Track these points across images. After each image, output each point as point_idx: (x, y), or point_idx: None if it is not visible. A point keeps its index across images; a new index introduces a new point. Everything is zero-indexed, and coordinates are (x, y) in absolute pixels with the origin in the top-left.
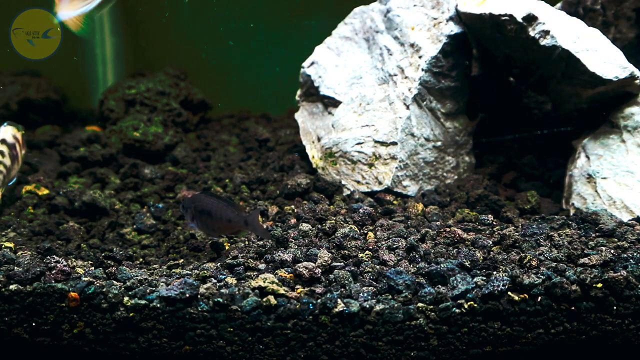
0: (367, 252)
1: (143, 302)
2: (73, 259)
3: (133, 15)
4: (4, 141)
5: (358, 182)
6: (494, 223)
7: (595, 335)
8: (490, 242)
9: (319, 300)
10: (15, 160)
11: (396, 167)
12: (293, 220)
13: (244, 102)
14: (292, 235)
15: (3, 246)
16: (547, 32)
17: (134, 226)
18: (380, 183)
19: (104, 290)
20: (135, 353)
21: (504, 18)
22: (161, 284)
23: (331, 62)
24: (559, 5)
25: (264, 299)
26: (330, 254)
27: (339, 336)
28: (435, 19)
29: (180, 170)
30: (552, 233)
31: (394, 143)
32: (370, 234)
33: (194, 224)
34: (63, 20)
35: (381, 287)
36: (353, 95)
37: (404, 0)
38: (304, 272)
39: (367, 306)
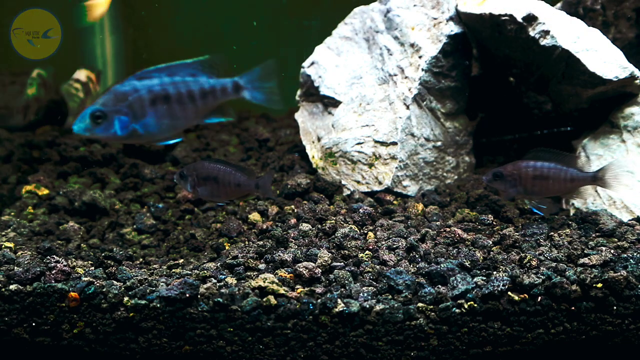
0: (367, 252)
1: (143, 302)
2: (73, 259)
3: (133, 15)
4: (77, 80)
5: (358, 182)
6: (494, 223)
7: (595, 335)
8: (490, 242)
9: (319, 300)
10: (88, 95)
11: (396, 167)
12: (293, 220)
13: (243, 102)
14: (292, 235)
15: (3, 246)
16: (547, 32)
17: (134, 226)
18: (380, 183)
19: (104, 290)
20: (135, 353)
21: (504, 18)
22: (161, 284)
23: (331, 62)
24: (559, 5)
25: (264, 299)
26: (330, 254)
27: (339, 336)
28: (435, 19)
29: None
30: (552, 233)
31: (394, 143)
32: (370, 234)
33: (197, 191)
34: None
35: (381, 287)
36: (353, 95)
37: (404, 0)
38: (304, 272)
39: (367, 306)
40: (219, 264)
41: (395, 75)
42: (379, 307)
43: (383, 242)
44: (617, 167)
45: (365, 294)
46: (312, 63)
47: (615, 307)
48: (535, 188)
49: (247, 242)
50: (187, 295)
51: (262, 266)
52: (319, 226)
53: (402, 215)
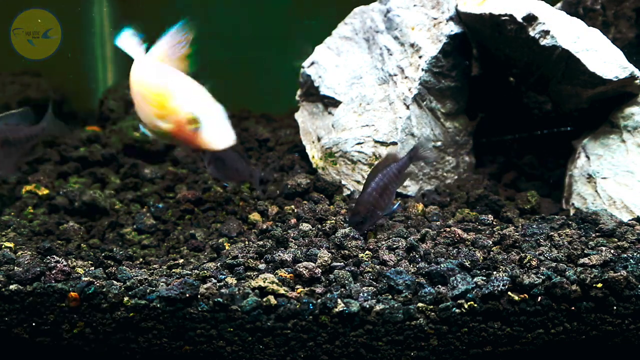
0: (367, 252)
1: (143, 302)
2: (73, 259)
3: (133, 15)
4: None
5: (358, 182)
6: (494, 223)
7: (595, 335)
8: (490, 242)
9: (319, 300)
10: None
11: None
12: (293, 220)
13: (244, 102)
14: (292, 235)
15: (3, 246)
16: (547, 32)
17: (134, 226)
18: None
19: (104, 290)
20: (135, 353)
21: (504, 18)
22: (161, 284)
23: (331, 62)
24: (559, 5)
25: (264, 299)
26: (330, 254)
27: (339, 336)
28: (435, 19)
29: (180, 170)
30: (552, 233)
31: (394, 143)
32: (370, 234)
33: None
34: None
35: (381, 287)
36: (353, 95)
37: (404, 0)
38: (304, 272)
39: (367, 306)
40: (219, 264)
41: (395, 75)
42: (379, 307)
43: (383, 242)
44: (422, 144)
45: (365, 294)
46: (312, 63)
47: (615, 307)
48: (387, 199)
49: (247, 242)
50: (187, 295)
51: (262, 266)
52: (319, 226)
53: (402, 215)
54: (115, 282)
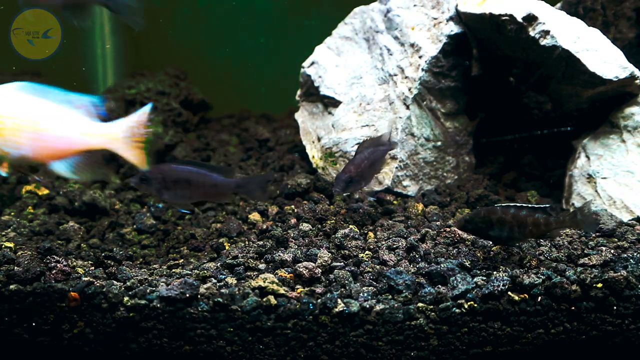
0: (367, 252)
1: (143, 302)
2: (73, 259)
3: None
4: None
5: None
6: None
7: (595, 335)
8: (491, 242)
9: (319, 300)
10: None
11: (396, 167)
12: (293, 220)
13: (244, 102)
14: (292, 235)
15: (3, 246)
16: (547, 32)
17: (134, 226)
18: (380, 183)
19: (104, 290)
20: (135, 353)
21: (504, 18)
22: (161, 284)
23: (331, 62)
24: (559, 5)
25: (264, 299)
26: (330, 254)
27: (339, 336)
28: (435, 19)
29: None
30: None
31: (394, 143)
32: (370, 234)
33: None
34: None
35: (381, 287)
36: (353, 95)
37: (404, 0)
38: (304, 272)
39: (367, 306)
40: (219, 264)
41: (395, 75)
42: (379, 307)
43: (383, 242)
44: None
45: (365, 294)
46: (312, 63)
47: (615, 307)
48: (370, 176)
49: (247, 242)
50: (187, 295)
51: (262, 266)
52: (319, 226)
53: (402, 215)
54: (115, 282)
